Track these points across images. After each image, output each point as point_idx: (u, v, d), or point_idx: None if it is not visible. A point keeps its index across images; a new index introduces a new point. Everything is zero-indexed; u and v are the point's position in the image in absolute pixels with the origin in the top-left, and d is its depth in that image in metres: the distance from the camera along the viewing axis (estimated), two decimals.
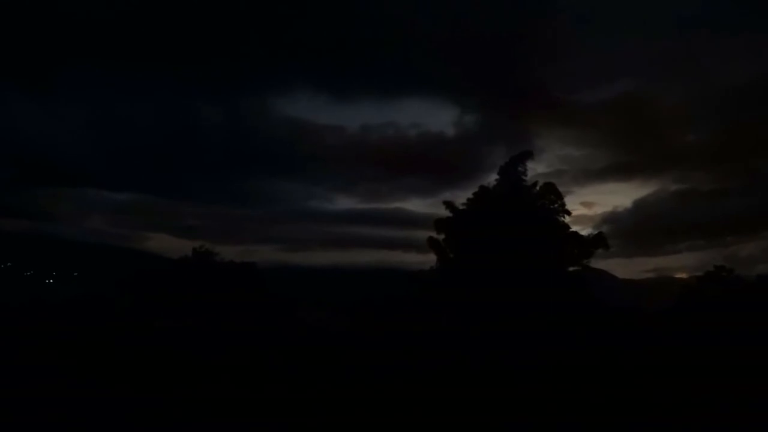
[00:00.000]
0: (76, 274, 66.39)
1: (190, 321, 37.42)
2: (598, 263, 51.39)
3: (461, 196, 53.28)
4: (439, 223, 49.83)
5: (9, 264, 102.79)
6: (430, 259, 51.06)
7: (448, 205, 49.78)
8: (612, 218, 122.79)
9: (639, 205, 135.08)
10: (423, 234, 50.71)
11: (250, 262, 50.50)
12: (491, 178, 50.10)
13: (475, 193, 49.94)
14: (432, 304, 46.35)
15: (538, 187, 49.87)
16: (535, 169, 63.52)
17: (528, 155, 50.80)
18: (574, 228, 50.00)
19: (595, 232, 50.99)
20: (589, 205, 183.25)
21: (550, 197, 49.72)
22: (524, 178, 49.82)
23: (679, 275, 67.88)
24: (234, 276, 46.37)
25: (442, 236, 49.73)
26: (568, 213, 50.19)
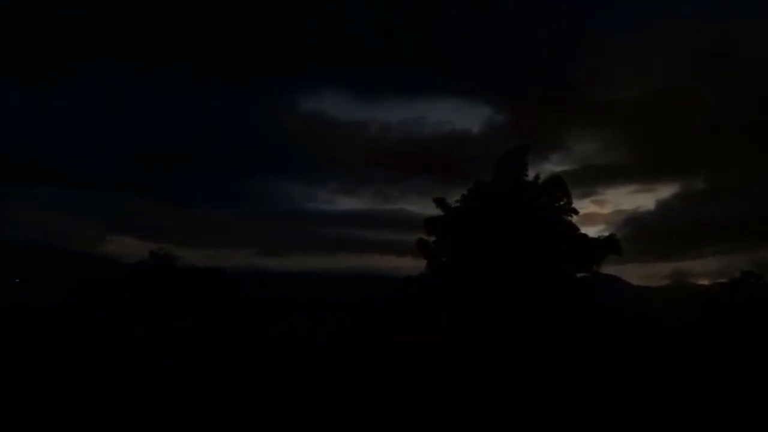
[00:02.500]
0: (17, 280, 61.73)
1: (140, 329, 32.87)
2: (610, 269, 47.52)
3: None
4: (430, 224, 45.36)
5: None
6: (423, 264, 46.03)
7: (440, 202, 44.79)
8: (633, 220, 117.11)
9: (662, 206, 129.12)
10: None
11: (216, 266, 46.17)
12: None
13: (470, 189, 44.82)
14: (421, 314, 41.03)
15: (540, 182, 44.48)
16: (552, 169, 58.97)
17: (527, 148, 45.83)
18: (585, 230, 46.11)
19: (606, 233, 45.79)
20: (602, 203, 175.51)
21: (555, 194, 44.32)
22: (525, 172, 44.68)
23: (701, 282, 62.91)
24: (196, 281, 41.73)
25: (432, 238, 44.86)
26: (575, 212, 45.44)
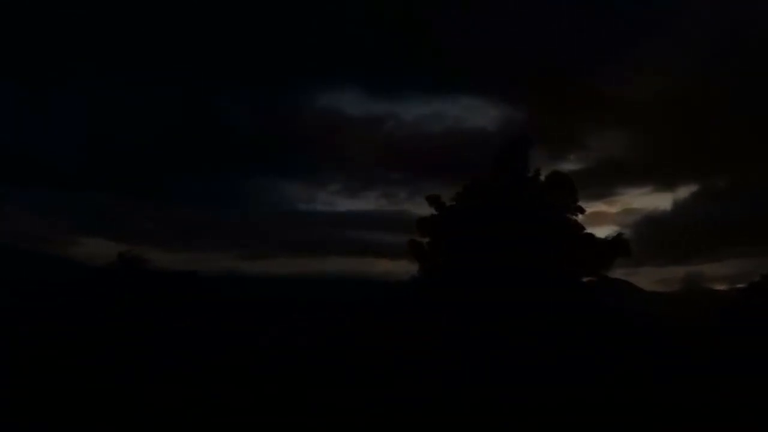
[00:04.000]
0: None
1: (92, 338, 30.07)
2: (620, 272, 45.97)
3: None
4: (423, 224, 41.94)
5: None
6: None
7: (433, 200, 41.41)
8: (648, 220, 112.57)
9: (680, 206, 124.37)
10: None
11: (190, 270, 42.95)
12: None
13: (466, 187, 41.46)
14: (411, 322, 37.73)
15: (543, 178, 41.34)
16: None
17: (528, 141, 42.58)
18: (596, 230, 45.20)
19: (614, 234, 42.57)
20: (617, 203, 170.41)
21: (559, 191, 41.04)
22: (526, 168, 41.54)
23: (718, 286, 59.91)
24: (167, 286, 38.73)
25: (426, 239, 41.63)
26: (581, 210, 42.05)
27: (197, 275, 43.48)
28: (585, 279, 41.85)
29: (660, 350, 33.72)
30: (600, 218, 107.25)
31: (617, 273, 43.95)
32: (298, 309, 40.69)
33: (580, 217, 41.92)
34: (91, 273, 44.64)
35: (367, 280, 45.79)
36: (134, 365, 25.21)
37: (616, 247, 41.54)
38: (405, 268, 43.36)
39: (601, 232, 45.50)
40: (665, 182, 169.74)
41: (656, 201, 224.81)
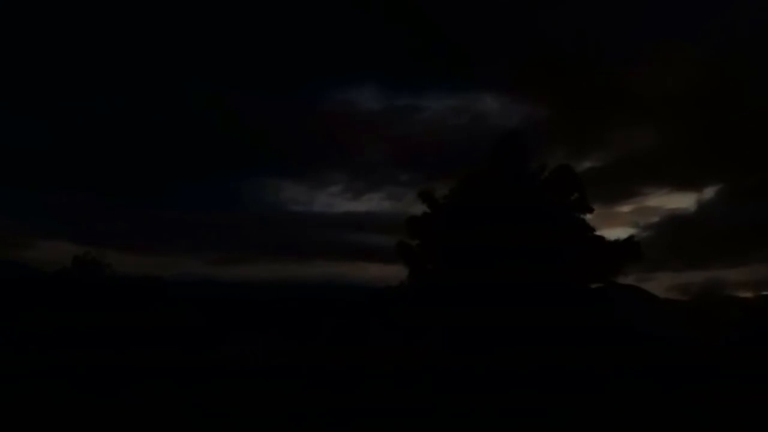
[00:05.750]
0: None
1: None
2: (629, 278, 41.80)
3: None
4: (413, 223, 38.26)
5: None
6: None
7: (426, 197, 37.71)
8: (668, 221, 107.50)
9: (703, 206, 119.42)
10: None
11: (154, 275, 39.79)
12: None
13: (460, 182, 37.91)
14: (400, 334, 34.25)
15: (545, 174, 37.81)
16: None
17: (527, 131, 39.53)
18: (610, 232, 43.37)
19: (625, 236, 39.16)
20: (631, 202, 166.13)
21: (564, 187, 37.38)
22: (526, 162, 37.98)
23: (742, 294, 56.43)
24: (127, 293, 35.46)
25: (416, 241, 38.07)
26: (590, 210, 38.32)
27: (163, 281, 40.21)
28: (592, 285, 38.08)
29: (675, 365, 31.35)
30: (615, 218, 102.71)
31: (629, 279, 40.61)
32: (273, 317, 37.76)
33: (590, 217, 38.44)
34: (42, 278, 41.38)
35: (354, 285, 42.64)
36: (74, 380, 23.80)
37: (625, 250, 38.05)
38: (400, 272, 40.02)
39: (616, 233, 42.01)
40: (688, 181, 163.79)
41: (678, 200, 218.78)
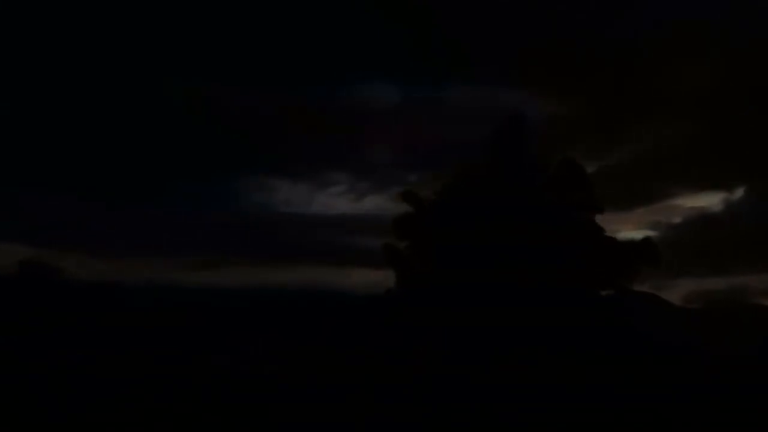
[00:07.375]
0: None
1: None
2: (646, 285, 38.82)
3: None
4: (400, 223, 35.35)
5: None
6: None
7: (409, 197, 35.13)
8: (691, 223, 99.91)
9: (730, 207, 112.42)
10: None
11: (110, 281, 36.76)
12: None
13: (454, 176, 35.28)
14: (388, 345, 31.14)
15: (550, 168, 36.25)
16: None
17: (525, 119, 36.62)
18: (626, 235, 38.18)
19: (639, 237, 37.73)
20: (654, 202, 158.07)
21: (570, 183, 35.02)
22: (526, 155, 35.56)
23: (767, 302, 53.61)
24: (79, 301, 32.53)
25: (404, 243, 35.48)
26: (600, 210, 36.41)
27: (122, 287, 37.04)
28: (603, 292, 36.36)
29: (695, 381, 27.67)
30: (635, 220, 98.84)
31: (645, 285, 38.00)
32: (240, 328, 34.71)
33: (601, 218, 36.22)
34: None
35: (337, 292, 39.49)
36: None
37: (641, 253, 35.15)
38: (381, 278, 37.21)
39: (633, 235, 39.58)
40: (716, 180, 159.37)
41: (704, 200, 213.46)
